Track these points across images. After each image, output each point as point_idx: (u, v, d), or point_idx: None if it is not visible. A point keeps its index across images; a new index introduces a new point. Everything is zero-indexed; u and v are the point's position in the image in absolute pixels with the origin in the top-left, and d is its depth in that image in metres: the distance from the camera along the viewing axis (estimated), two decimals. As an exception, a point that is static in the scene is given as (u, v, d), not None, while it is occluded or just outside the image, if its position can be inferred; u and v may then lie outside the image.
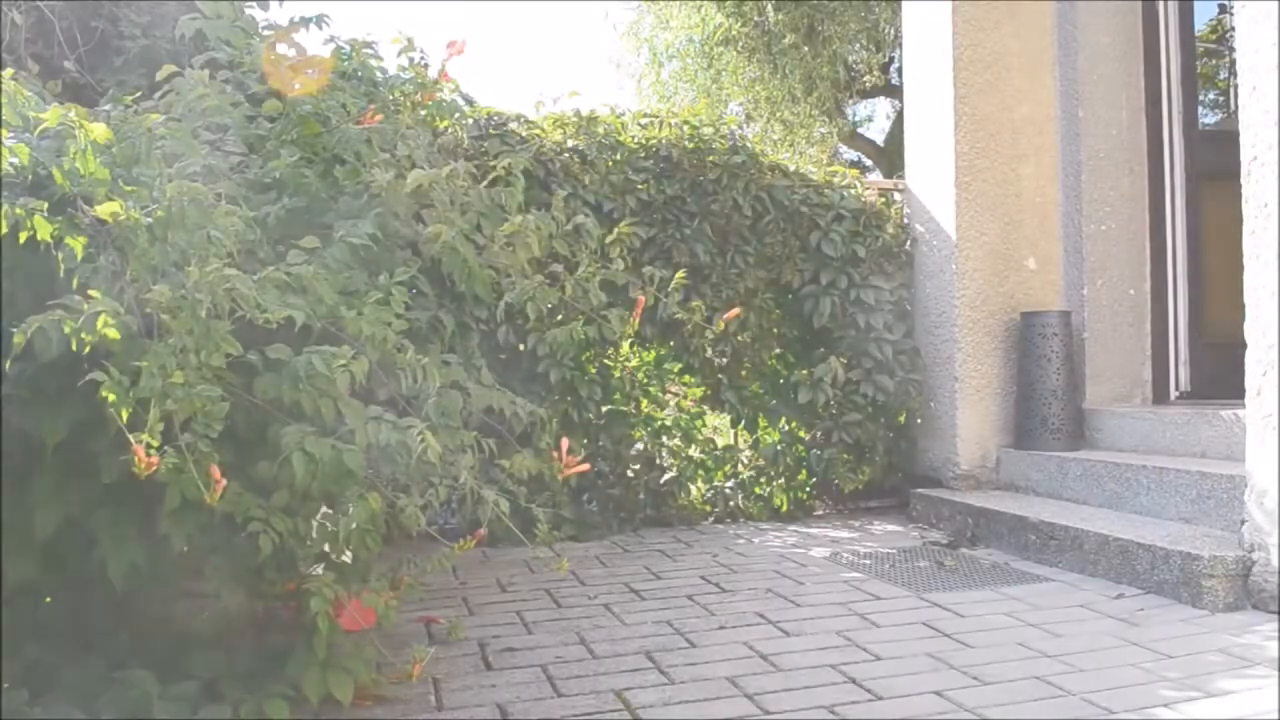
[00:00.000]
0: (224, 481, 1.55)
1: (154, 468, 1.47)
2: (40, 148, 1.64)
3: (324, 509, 1.83)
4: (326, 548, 1.82)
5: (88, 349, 1.46)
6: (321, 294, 1.73)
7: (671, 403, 4.14)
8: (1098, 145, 3.95)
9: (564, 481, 2.33)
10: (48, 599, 1.94)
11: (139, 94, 2.09)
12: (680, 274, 2.64)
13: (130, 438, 1.45)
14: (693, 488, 4.05)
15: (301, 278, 1.71)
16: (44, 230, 1.53)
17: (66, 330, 1.45)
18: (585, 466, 2.24)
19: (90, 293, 1.49)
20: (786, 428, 4.04)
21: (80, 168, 1.59)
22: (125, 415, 1.46)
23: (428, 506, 1.89)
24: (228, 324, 1.57)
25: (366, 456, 1.75)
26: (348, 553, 1.87)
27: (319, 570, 1.85)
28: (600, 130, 3.87)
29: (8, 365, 1.55)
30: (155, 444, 1.46)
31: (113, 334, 1.47)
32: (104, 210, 1.55)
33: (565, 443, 2.23)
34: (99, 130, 1.61)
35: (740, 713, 1.87)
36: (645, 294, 2.54)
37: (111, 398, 1.45)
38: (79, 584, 1.90)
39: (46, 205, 1.56)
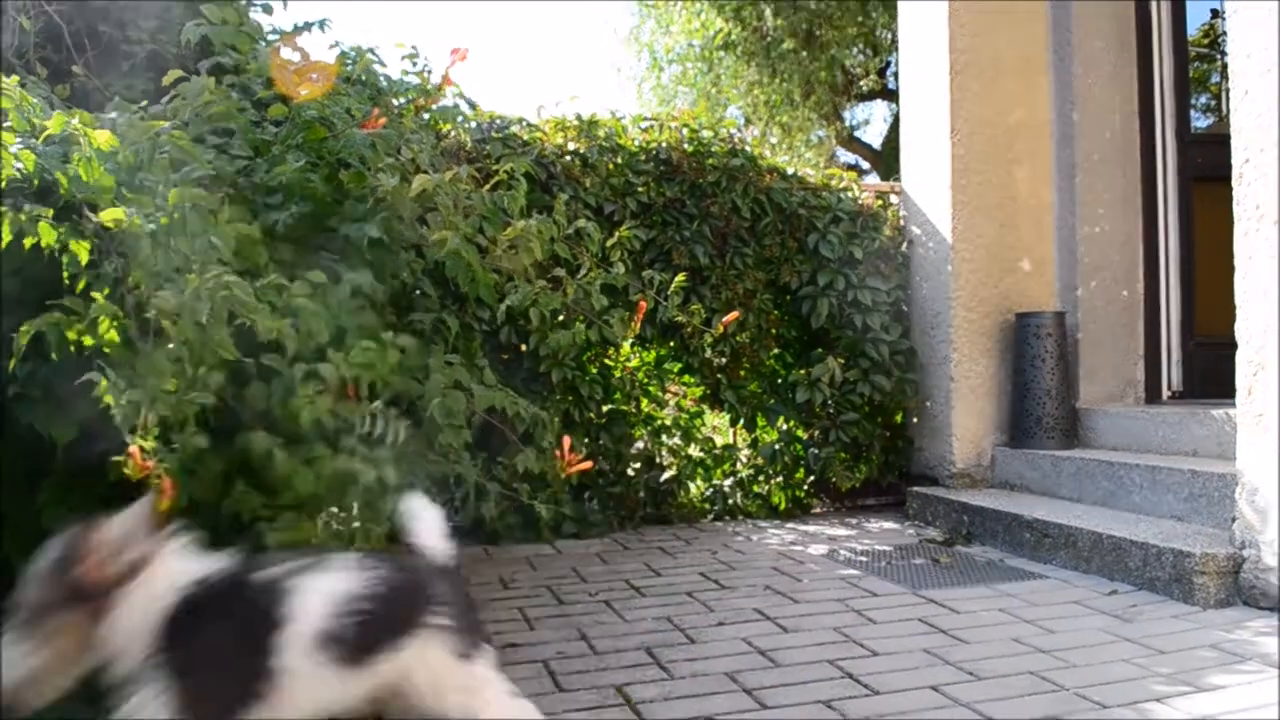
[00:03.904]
0: (171, 490, 1.54)
1: (149, 471, 1.49)
2: (45, 154, 1.65)
3: (328, 510, 1.85)
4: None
5: (86, 352, 1.49)
6: (313, 329, 1.70)
7: (671, 402, 4.17)
8: (1091, 148, 3.98)
9: (565, 480, 2.35)
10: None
11: (145, 99, 2.11)
12: (680, 278, 2.66)
13: (128, 440, 1.47)
14: (692, 486, 4.08)
15: (298, 309, 1.68)
16: (48, 236, 1.55)
17: (69, 335, 1.48)
18: (586, 465, 2.26)
19: (93, 295, 1.52)
20: (785, 427, 4.07)
21: (84, 174, 1.60)
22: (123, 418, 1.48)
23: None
24: (225, 329, 1.58)
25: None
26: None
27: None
28: (601, 133, 3.90)
29: (13, 365, 1.57)
30: (151, 447, 1.48)
31: (114, 338, 1.49)
32: (107, 217, 1.56)
33: (567, 441, 2.25)
34: (103, 137, 1.63)
35: (739, 707, 1.90)
36: (646, 297, 2.57)
37: (110, 400, 1.47)
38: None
39: (51, 212, 1.57)
